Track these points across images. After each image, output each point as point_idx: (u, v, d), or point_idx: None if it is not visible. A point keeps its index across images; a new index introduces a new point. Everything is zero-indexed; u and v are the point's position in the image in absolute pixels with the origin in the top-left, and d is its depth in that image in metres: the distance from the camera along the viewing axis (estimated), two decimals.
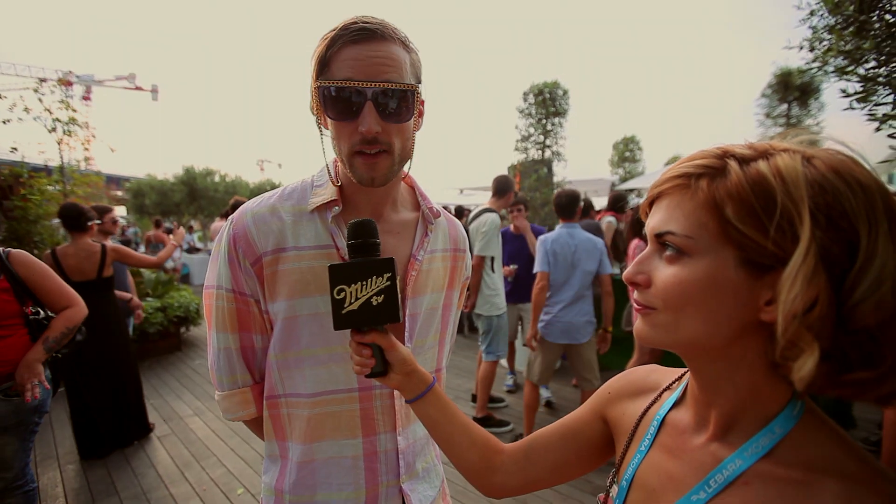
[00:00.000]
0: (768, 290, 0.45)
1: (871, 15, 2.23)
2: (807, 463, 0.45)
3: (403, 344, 0.87)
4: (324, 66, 0.73)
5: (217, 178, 18.42)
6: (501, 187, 3.78)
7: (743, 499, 0.47)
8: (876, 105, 2.23)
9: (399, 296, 0.69)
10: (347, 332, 0.79)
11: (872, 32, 2.25)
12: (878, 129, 2.36)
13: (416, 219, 0.93)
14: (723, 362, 0.50)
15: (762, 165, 0.45)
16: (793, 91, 6.70)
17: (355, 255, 0.69)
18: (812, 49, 2.66)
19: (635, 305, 0.54)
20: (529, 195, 6.14)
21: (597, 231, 4.32)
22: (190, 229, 15.24)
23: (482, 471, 0.75)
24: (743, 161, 0.46)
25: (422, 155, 0.91)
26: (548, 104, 5.85)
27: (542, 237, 3.32)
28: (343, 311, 0.67)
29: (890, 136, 2.16)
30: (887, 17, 2.23)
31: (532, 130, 6.04)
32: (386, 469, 0.88)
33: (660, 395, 0.65)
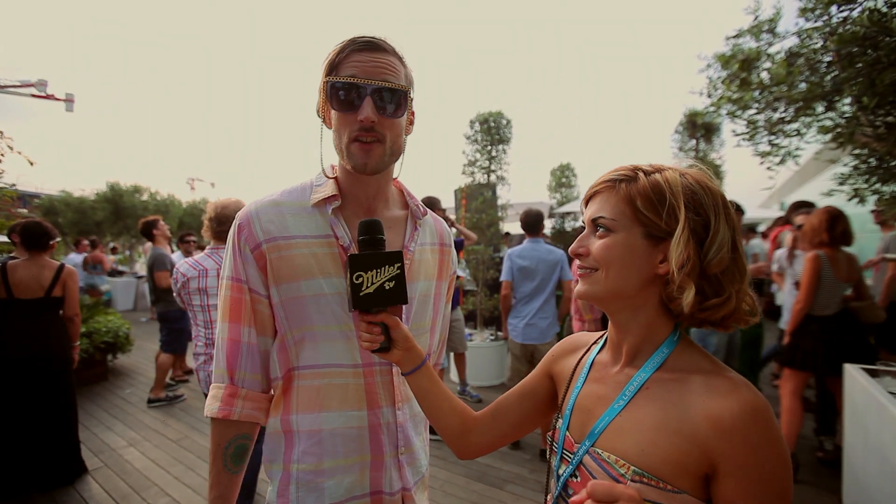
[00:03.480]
0: (661, 253, 0.69)
1: (751, 72, 2.78)
2: (683, 368, 0.69)
3: None
4: (333, 68, 0.88)
5: (146, 197, 17.10)
6: (428, 206, 4.08)
7: (647, 398, 0.70)
8: (757, 144, 2.76)
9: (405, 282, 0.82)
10: (345, 312, 0.93)
11: (753, 86, 2.80)
12: (760, 163, 2.91)
13: (406, 216, 1.06)
14: (632, 309, 0.74)
15: (658, 176, 0.70)
16: (699, 129, 7.81)
17: (365, 248, 0.82)
18: (709, 95, 3.22)
19: (578, 271, 0.76)
20: (475, 217, 6.46)
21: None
22: (113, 251, 14.02)
23: (461, 433, 0.90)
24: (646, 173, 0.72)
25: None
26: (493, 132, 6.28)
27: (508, 251, 3.81)
28: (361, 294, 0.78)
29: (768, 168, 2.67)
30: (763, 75, 2.79)
31: (478, 156, 6.43)
32: (388, 441, 0.97)
33: (589, 348, 0.87)
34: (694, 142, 8.11)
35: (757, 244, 5.44)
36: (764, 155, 2.73)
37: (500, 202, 6.96)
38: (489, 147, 6.33)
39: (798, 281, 3.22)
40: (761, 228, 9.70)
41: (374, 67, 0.86)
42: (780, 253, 3.80)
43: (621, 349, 0.77)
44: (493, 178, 6.49)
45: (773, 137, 2.67)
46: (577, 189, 12.37)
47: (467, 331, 5.91)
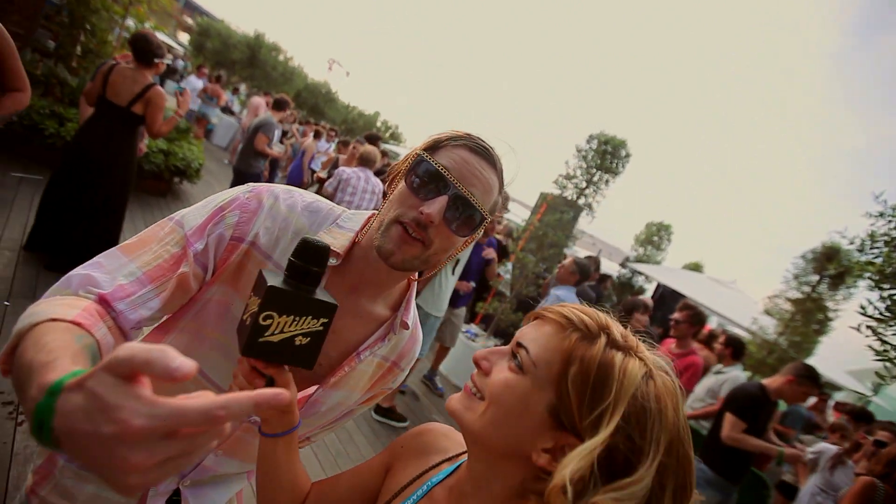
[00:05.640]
0: (551, 440, 0.55)
1: None
2: None
3: None
4: (434, 148, 0.78)
5: (281, 58, 18.17)
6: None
7: None
8: (879, 334, 2.18)
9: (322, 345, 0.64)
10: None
11: None
12: (875, 359, 2.32)
13: (386, 319, 0.89)
14: (489, 469, 0.60)
15: (619, 357, 0.53)
16: (830, 269, 6.56)
17: (292, 276, 0.61)
18: (861, 249, 2.59)
19: (469, 385, 0.63)
20: (543, 230, 6.09)
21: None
22: (235, 91, 15.14)
23: None
24: (610, 344, 0.55)
25: None
26: (605, 157, 5.73)
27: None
28: (260, 339, 0.59)
29: (876, 373, 2.12)
30: None
31: (579, 173, 5.94)
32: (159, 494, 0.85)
33: (437, 466, 0.73)
34: (816, 277, 6.89)
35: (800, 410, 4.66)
36: (880, 354, 2.16)
37: (576, 228, 6.48)
38: (594, 170, 5.81)
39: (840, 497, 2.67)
40: (840, 397, 8.27)
41: (470, 173, 0.75)
42: (826, 447, 3.18)
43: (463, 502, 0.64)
44: (581, 201, 5.99)
45: None
46: (664, 254, 11.33)
47: (472, 328, 5.73)
